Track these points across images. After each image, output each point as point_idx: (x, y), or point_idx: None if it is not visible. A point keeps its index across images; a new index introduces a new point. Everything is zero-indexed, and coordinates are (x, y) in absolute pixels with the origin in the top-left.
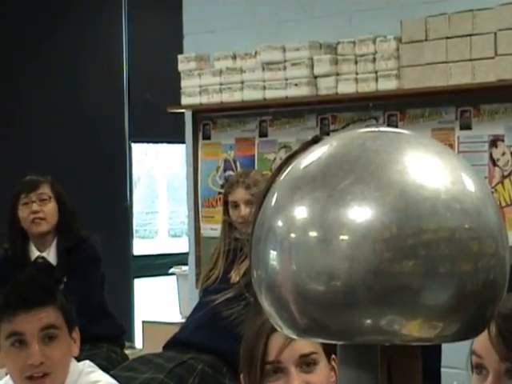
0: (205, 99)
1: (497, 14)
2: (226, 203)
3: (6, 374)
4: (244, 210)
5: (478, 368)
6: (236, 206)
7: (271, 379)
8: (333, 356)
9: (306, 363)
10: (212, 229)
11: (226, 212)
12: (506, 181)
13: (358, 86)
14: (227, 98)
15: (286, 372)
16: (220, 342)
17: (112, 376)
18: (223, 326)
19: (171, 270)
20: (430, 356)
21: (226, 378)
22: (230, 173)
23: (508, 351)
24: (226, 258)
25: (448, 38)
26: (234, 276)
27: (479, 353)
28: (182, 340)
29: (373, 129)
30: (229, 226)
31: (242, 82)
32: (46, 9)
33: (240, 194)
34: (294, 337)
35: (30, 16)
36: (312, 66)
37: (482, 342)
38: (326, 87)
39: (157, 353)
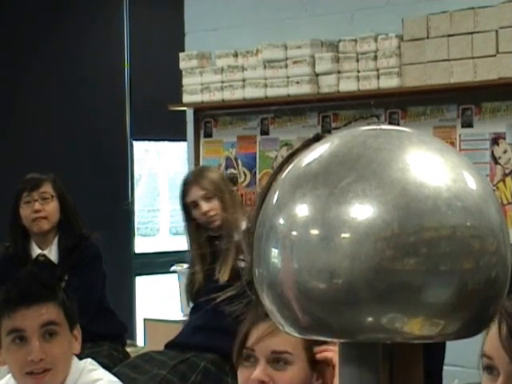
0: (206, 97)
1: (498, 12)
2: (184, 207)
3: (9, 373)
4: (204, 206)
5: (489, 369)
6: (195, 205)
7: (245, 364)
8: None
9: (276, 360)
10: None
11: (186, 217)
12: (508, 179)
13: (359, 83)
14: (229, 95)
15: (257, 362)
16: (222, 341)
17: (115, 373)
18: (225, 324)
19: (173, 268)
20: (432, 354)
21: (228, 376)
22: (232, 171)
23: None
24: (202, 261)
25: (449, 35)
26: (221, 275)
27: (489, 354)
28: (182, 342)
29: (374, 127)
30: (194, 228)
31: (244, 80)
32: (46, 7)
33: (195, 193)
34: (296, 335)
35: (30, 13)
36: (313, 64)
37: (492, 343)
38: (327, 85)
39: (160, 350)
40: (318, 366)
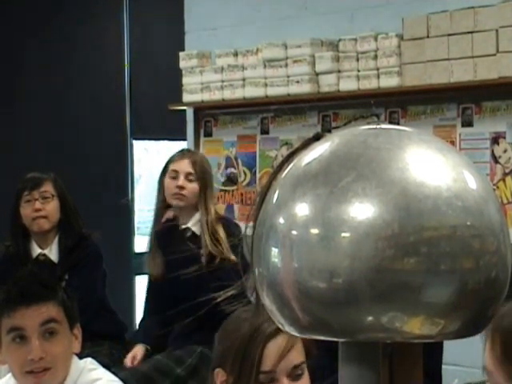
0: (206, 96)
1: (498, 11)
2: (161, 182)
3: (9, 372)
4: (182, 182)
5: (492, 381)
6: (175, 177)
7: None
8: None
9: (296, 374)
10: None
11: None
12: (508, 178)
13: (359, 83)
14: (229, 95)
15: (277, 381)
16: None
17: (115, 372)
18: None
19: None
20: (432, 353)
21: None
22: (232, 170)
23: None
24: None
25: (450, 35)
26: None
27: (489, 369)
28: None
29: (374, 126)
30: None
31: (244, 79)
32: (46, 7)
33: (183, 165)
34: (296, 334)
35: (30, 13)
36: (313, 63)
37: (490, 359)
38: (327, 84)
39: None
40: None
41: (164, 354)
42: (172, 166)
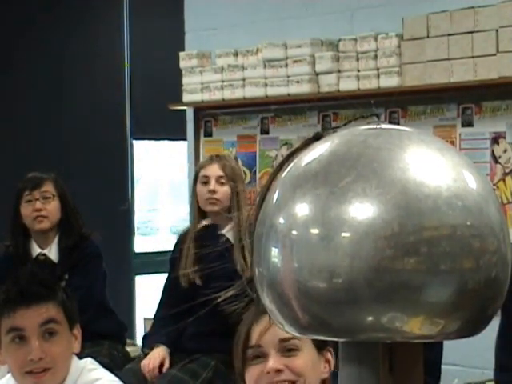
0: (206, 96)
1: (498, 11)
2: (194, 190)
3: (8, 372)
4: (214, 186)
5: None
6: (206, 182)
7: (253, 363)
8: (329, 348)
9: (286, 348)
10: None
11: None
12: (508, 178)
13: (359, 83)
14: (229, 95)
15: (266, 356)
16: (225, 344)
17: (117, 374)
18: (225, 326)
19: None
20: (432, 353)
21: None
22: None
23: None
24: (195, 262)
25: (450, 35)
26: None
27: None
28: (183, 348)
29: (374, 126)
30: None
31: (244, 79)
32: (46, 7)
33: (213, 169)
34: (296, 334)
35: (30, 13)
36: (314, 63)
37: None
38: (327, 84)
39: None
40: (323, 352)
41: (178, 368)
42: (202, 172)
